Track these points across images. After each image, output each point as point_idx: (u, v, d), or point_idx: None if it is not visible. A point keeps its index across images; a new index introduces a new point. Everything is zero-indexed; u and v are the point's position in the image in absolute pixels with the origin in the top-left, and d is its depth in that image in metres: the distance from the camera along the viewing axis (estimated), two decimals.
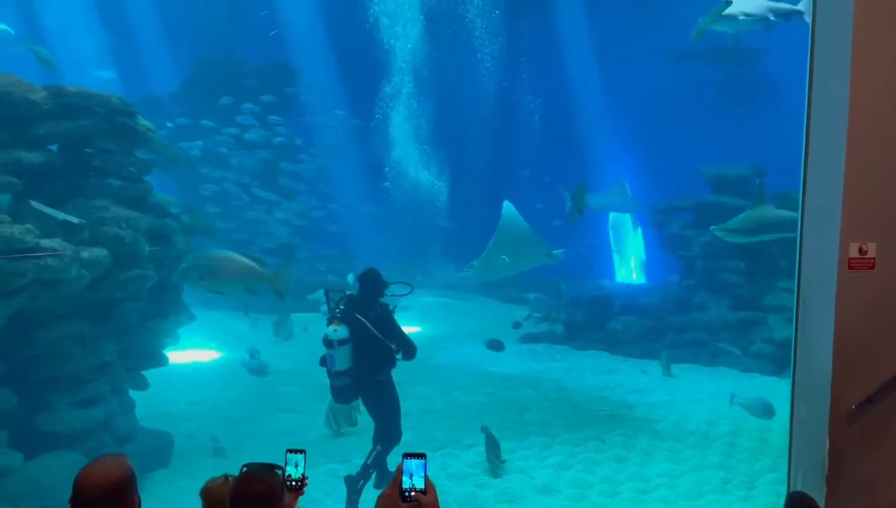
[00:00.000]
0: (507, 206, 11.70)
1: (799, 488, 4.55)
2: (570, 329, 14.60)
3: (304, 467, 3.20)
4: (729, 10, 9.22)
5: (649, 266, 18.11)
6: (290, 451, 3.21)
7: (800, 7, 9.82)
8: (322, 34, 20.54)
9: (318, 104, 19.51)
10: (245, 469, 2.89)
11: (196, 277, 7.25)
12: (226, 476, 3.20)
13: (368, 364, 6.56)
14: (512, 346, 14.26)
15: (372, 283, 6.75)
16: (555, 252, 11.58)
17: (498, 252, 11.56)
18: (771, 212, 10.84)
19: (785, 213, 10.58)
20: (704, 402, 10.54)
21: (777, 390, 10.61)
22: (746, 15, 9.28)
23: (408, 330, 6.95)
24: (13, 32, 16.57)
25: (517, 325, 14.99)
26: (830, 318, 4.38)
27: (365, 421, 7.67)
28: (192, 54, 19.04)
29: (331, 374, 6.60)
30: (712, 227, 11.13)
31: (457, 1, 20.15)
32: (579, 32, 20.57)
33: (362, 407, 7.34)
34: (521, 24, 20.78)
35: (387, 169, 21.06)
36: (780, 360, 11.81)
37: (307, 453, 3.23)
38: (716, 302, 13.61)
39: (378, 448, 6.72)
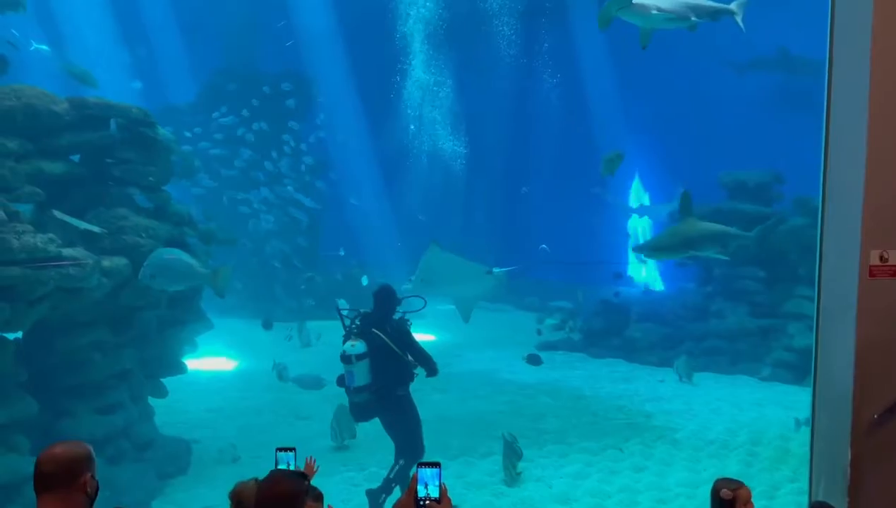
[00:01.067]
0: (433, 248, 11.93)
1: (821, 498, 4.49)
2: (588, 336, 14.54)
3: (295, 465, 3.30)
4: (640, 1, 7.92)
5: (667, 273, 18.01)
6: (280, 450, 3.32)
7: (732, 7, 8.70)
8: (338, 43, 20.69)
9: (333, 113, 19.67)
10: (272, 473, 3.01)
11: (149, 276, 7.34)
12: (255, 479, 3.27)
13: (387, 378, 6.51)
14: (530, 354, 14.23)
15: (386, 299, 6.72)
16: (495, 270, 11.68)
17: (424, 279, 11.93)
18: (698, 225, 9.45)
19: (713, 226, 9.55)
20: (724, 411, 10.44)
21: (797, 399, 10.50)
22: (660, 10, 7.97)
23: (424, 337, 6.93)
24: (47, 49, 16.75)
25: (540, 333, 15.02)
26: (851, 326, 4.34)
27: (363, 433, 7.56)
28: (210, 64, 19.26)
29: (350, 391, 6.52)
30: (633, 247, 10.08)
31: (483, 12, 20.17)
32: (597, 38, 20.55)
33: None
34: (553, 32, 20.79)
35: (412, 178, 21.10)
36: (800, 369, 11.67)
37: (298, 451, 3.40)
38: (734, 310, 13.48)
39: (401, 462, 6.65)
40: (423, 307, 6.98)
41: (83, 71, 11.40)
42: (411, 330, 6.71)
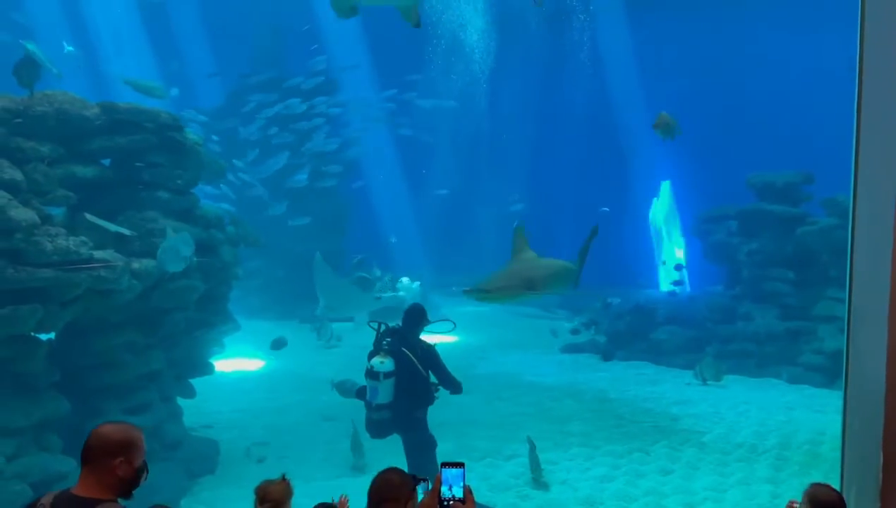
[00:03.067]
0: (317, 258, 11.66)
1: (852, 503, 4.42)
2: (613, 339, 14.44)
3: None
4: None
5: (694, 275, 17.84)
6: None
7: None
8: (362, 46, 20.85)
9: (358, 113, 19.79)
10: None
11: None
12: (283, 477, 3.30)
13: (410, 399, 6.48)
14: (554, 356, 14.19)
15: (416, 319, 6.70)
16: (383, 295, 11.78)
17: (325, 296, 11.98)
18: (541, 263, 7.76)
19: (556, 264, 7.97)
20: (752, 414, 10.31)
21: (828, 402, 10.34)
22: None
23: (448, 339, 6.92)
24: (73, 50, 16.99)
25: (575, 332, 15.12)
26: (884, 328, 4.26)
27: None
28: (236, 69, 19.53)
29: (370, 407, 6.46)
30: (464, 290, 7.50)
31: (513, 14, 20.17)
32: (623, 41, 20.50)
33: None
34: (579, 33, 20.76)
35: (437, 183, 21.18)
36: (830, 372, 11.50)
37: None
38: (763, 312, 13.31)
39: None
40: (453, 329, 6.96)
41: (148, 85, 11.27)
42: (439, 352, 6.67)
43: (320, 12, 20.49)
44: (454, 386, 6.66)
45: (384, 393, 6.37)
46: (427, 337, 6.81)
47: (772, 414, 10.33)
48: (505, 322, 17.37)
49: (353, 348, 11.71)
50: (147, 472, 2.99)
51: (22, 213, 6.29)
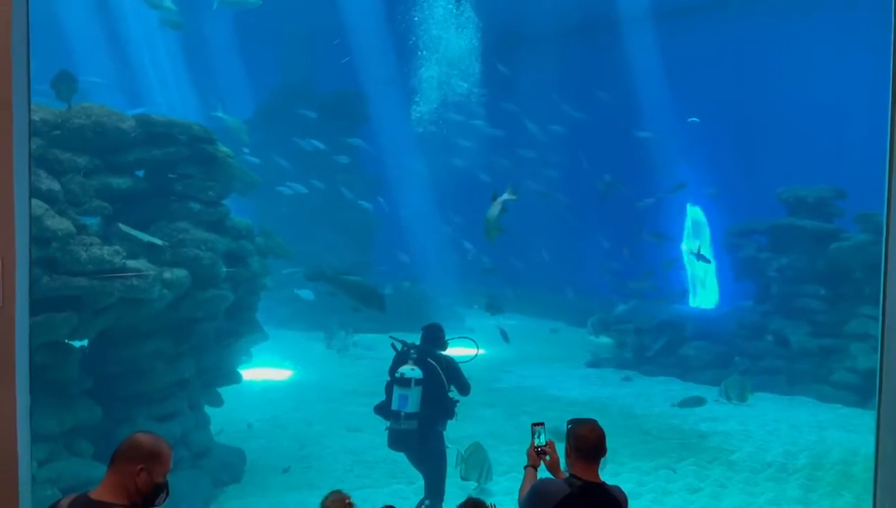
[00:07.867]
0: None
1: None
2: (640, 354, 14.31)
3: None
4: None
5: (723, 290, 17.61)
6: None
7: None
8: (392, 60, 21.01)
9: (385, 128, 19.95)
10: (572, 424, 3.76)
11: None
12: (345, 497, 3.31)
13: (434, 410, 6.50)
14: (579, 371, 14.10)
15: (434, 337, 6.74)
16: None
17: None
18: None
19: None
20: (783, 433, 10.14)
21: (860, 422, 10.14)
22: None
23: (473, 352, 6.96)
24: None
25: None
26: None
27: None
28: (268, 83, 19.80)
29: (400, 416, 6.42)
30: None
31: (538, 31, 20.16)
32: (654, 53, 20.44)
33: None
34: (607, 48, 20.74)
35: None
36: (863, 390, 11.27)
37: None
38: (794, 329, 13.10)
39: (427, 503, 6.61)
40: (476, 356, 7.00)
41: (235, 123, 11.82)
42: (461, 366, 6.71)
43: (351, 26, 20.75)
44: (465, 391, 6.71)
45: (413, 401, 6.41)
46: (452, 351, 6.85)
47: (803, 432, 10.15)
48: (529, 335, 17.29)
49: (378, 360, 11.74)
50: (167, 494, 3.00)
51: (58, 223, 6.44)
